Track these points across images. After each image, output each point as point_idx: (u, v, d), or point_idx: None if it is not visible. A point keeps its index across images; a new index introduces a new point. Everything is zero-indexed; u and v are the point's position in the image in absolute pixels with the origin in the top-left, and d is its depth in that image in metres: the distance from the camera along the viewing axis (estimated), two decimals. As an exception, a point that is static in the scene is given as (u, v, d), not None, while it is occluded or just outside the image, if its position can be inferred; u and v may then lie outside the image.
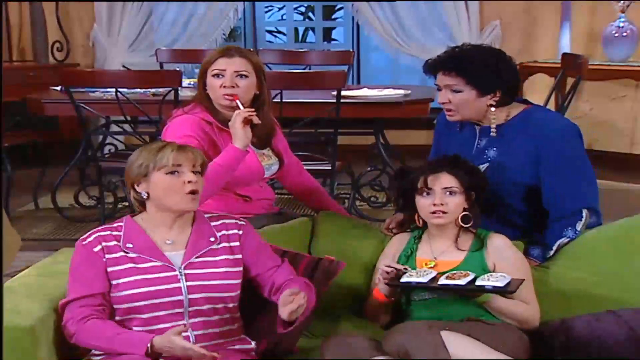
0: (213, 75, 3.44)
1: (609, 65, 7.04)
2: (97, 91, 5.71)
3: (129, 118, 5.69)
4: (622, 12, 7.03)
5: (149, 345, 2.67)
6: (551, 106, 6.29)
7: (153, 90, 5.60)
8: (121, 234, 2.87)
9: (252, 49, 7.76)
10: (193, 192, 2.81)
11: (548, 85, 6.87)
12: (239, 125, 3.29)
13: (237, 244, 2.94)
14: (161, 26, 8.10)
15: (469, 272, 2.92)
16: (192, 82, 6.16)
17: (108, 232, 2.88)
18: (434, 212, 3.02)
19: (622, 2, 6.98)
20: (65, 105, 5.48)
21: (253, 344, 2.88)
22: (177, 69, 5.58)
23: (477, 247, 3.05)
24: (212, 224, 2.94)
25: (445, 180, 3.03)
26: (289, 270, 2.98)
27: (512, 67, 3.30)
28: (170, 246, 2.87)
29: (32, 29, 7.85)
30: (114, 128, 6.21)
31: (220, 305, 2.86)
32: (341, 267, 3.11)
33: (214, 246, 2.90)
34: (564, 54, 6.49)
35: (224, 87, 3.40)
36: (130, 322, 2.82)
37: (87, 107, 5.43)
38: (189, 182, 2.80)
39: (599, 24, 7.36)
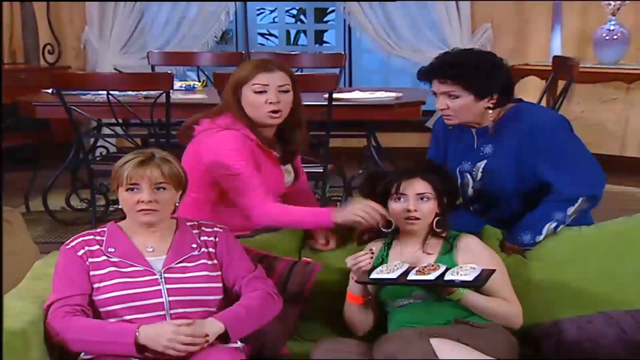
0: (255, 92, 3.30)
1: (600, 68, 7.06)
2: (88, 94, 5.70)
3: (120, 121, 5.70)
4: (613, 14, 7.05)
5: (136, 333, 2.70)
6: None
7: (145, 92, 5.59)
8: (104, 238, 2.90)
9: (244, 52, 7.76)
10: (145, 210, 2.83)
11: (539, 87, 6.89)
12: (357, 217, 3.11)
13: (213, 250, 2.96)
14: (153, 28, 8.09)
15: (439, 264, 2.91)
16: (183, 85, 6.18)
17: (91, 237, 2.91)
18: (407, 218, 3.01)
19: (612, 4, 7.00)
20: (57, 108, 5.46)
21: (239, 344, 2.87)
22: (169, 72, 5.57)
23: (446, 250, 3.05)
24: (194, 231, 2.97)
25: (419, 186, 3.02)
26: (258, 279, 2.97)
27: (505, 69, 3.31)
28: (152, 252, 2.90)
29: (23, 31, 7.84)
30: (106, 131, 6.20)
31: (202, 309, 2.87)
32: (317, 269, 3.13)
33: (195, 252, 2.92)
34: (555, 57, 6.50)
35: (270, 103, 3.29)
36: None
37: (78, 110, 5.41)
38: (141, 201, 2.83)
39: (590, 27, 7.38)
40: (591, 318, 2.96)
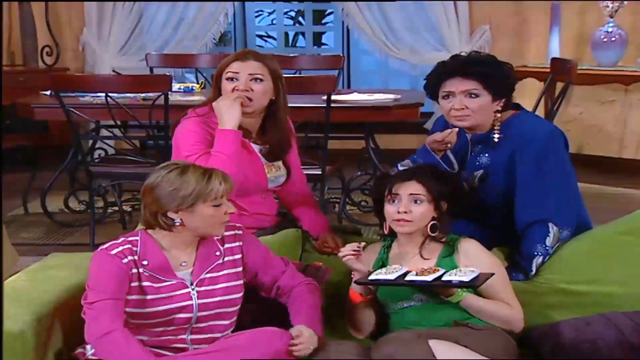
0: (227, 79, 3.37)
1: (598, 69, 7.06)
2: (87, 96, 5.69)
3: (119, 122, 5.69)
4: (611, 16, 7.05)
5: None
6: (540, 110, 6.30)
7: (143, 94, 5.58)
8: (137, 249, 2.83)
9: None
10: (228, 222, 2.87)
11: (538, 89, 6.88)
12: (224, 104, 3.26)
13: (239, 256, 2.95)
14: (151, 30, 8.10)
15: (439, 267, 2.91)
16: (182, 87, 6.17)
17: (129, 246, 2.82)
18: (397, 220, 3.01)
19: (610, 6, 7.00)
20: (55, 110, 5.47)
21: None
22: (167, 74, 5.59)
23: (447, 253, 3.04)
24: (215, 237, 2.93)
25: (412, 188, 3.01)
26: (293, 272, 3.02)
27: (513, 74, 3.34)
28: (184, 267, 2.87)
29: (22, 33, 7.83)
30: (104, 132, 6.19)
31: (223, 322, 2.89)
32: (328, 274, 3.12)
33: (220, 261, 2.91)
34: (553, 59, 6.50)
35: (237, 90, 3.33)
36: (138, 334, 2.80)
37: (77, 112, 5.41)
38: (228, 213, 2.84)
39: (588, 28, 7.39)
40: (589, 320, 2.96)
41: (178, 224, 2.80)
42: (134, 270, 2.79)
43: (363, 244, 3.05)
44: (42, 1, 7.79)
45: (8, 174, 6.40)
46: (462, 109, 3.20)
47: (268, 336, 2.77)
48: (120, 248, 2.80)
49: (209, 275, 2.86)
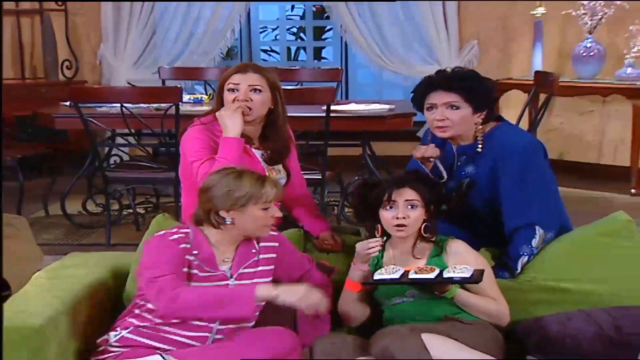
0: (228, 90, 3.36)
1: (578, 82, 7.06)
2: (103, 106, 5.69)
3: (133, 131, 5.70)
4: (590, 33, 7.06)
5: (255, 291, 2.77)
6: (525, 120, 6.31)
7: (155, 105, 5.58)
8: (190, 240, 2.87)
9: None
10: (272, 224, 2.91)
11: (522, 100, 6.86)
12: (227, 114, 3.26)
13: (273, 255, 2.98)
14: (164, 45, 8.08)
15: (434, 267, 2.92)
16: (191, 98, 6.16)
17: (182, 236, 2.88)
18: (396, 225, 3.00)
19: (589, 23, 7.01)
20: (74, 120, 5.46)
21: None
22: (178, 86, 5.57)
23: (436, 253, 3.04)
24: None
25: (407, 194, 3.01)
26: (315, 270, 3.11)
27: (495, 88, 3.34)
28: (225, 262, 2.91)
29: (43, 48, 7.84)
30: (119, 140, 6.19)
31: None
32: (334, 272, 3.14)
33: (256, 258, 2.94)
34: (537, 72, 6.49)
35: (237, 100, 3.32)
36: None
37: (94, 121, 5.41)
38: (274, 217, 2.88)
39: (569, 44, 7.39)
40: (571, 315, 2.95)
41: (229, 222, 2.84)
42: (187, 257, 2.84)
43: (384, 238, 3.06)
44: (59, 11, 7.79)
45: (30, 179, 6.39)
46: (444, 119, 3.20)
47: (279, 334, 2.84)
48: (176, 236, 2.86)
49: (246, 270, 2.90)
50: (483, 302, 2.96)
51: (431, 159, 3.27)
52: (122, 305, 3.11)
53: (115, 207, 6.07)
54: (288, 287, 2.84)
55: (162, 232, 2.92)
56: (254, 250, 2.94)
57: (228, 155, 3.24)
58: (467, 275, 2.85)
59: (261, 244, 2.97)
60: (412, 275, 2.88)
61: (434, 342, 2.74)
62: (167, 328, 2.83)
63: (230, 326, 2.86)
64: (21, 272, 1.61)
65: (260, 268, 2.93)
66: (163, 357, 2.70)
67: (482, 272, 2.89)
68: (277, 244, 3.00)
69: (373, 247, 2.99)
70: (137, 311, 2.88)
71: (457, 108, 3.19)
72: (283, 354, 2.79)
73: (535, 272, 3.13)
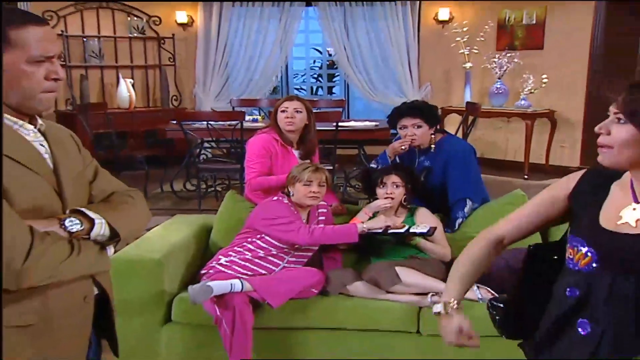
0: (281, 111, 3.31)
1: (493, 109, 7.00)
2: (196, 123, 5.69)
3: (214, 139, 5.69)
4: (499, 78, 7.02)
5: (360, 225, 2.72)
6: (460, 133, 6.26)
7: (228, 122, 5.57)
8: (289, 204, 2.83)
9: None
10: (313, 196, 2.81)
11: (458, 120, 6.86)
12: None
13: (323, 218, 2.94)
14: (234, 85, 8.06)
15: (405, 224, 2.90)
16: (251, 118, 6.14)
17: (286, 202, 2.83)
18: (386, 198, 2.98)
19: (499, 72, 6.98)
20: (178, 132, 5.48)
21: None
22: (242, 110, 5.55)
23: (410, 215, 3.01)
24: (310, 205, 2.90)
25: (393, 178, 2.99)
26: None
27: (439, 112, 3.29)
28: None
29: (161, 88, 7.84)
30: (206, 145, 6.19)
31: (309, 254, 2.87)
32: (344, 213, 3.13)
33: (319, 218, 2.91)
34: (467, 102, 6.46)
35: (287, 118, 3.29)
36: (257, 248, 2.78)
37: (190, 133, 5.42)
38: (312, 192, 2.81)
39: (486, 85, 7.33)
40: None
41: (292, 194, 2.84)
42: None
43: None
44: (170, 66, 7.75)
45: (152, 169, 6.39)
46: (413, 135, 3.16)
47: (315, 270, 2.81)
48: (285, 201, 2.83)
49: (314, 225, 2.83)
50: (435, 247, 2.94)
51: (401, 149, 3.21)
52: (208, 249, 3.09)
53: (204, 187, 6.08)
54: (370, 221, 2.84)
55: (275, 198, 2.85)
56: (316, 214, 2.91)
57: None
58: (425, 230, 2.83)
59: (320, 210, 2.93)
60: (390, 231, 2.86)
61: (403, 272, 2.73)
62: (255, 260, 2.76)
63: (292, 261, 2.81)
64: (134, 227, 1.58)
65: (321, 225, 2.84)
66: (242, 282, 2.62)
67: (435, 228, 2.88)
68: (325, 210, 2.97)
69: (381, 205, 2.96)
70: (237, 248, 2.81)
71: (420, 127, 3.16)
72: (317, 280, 2.76)
73: (466, 228, 3.10)
